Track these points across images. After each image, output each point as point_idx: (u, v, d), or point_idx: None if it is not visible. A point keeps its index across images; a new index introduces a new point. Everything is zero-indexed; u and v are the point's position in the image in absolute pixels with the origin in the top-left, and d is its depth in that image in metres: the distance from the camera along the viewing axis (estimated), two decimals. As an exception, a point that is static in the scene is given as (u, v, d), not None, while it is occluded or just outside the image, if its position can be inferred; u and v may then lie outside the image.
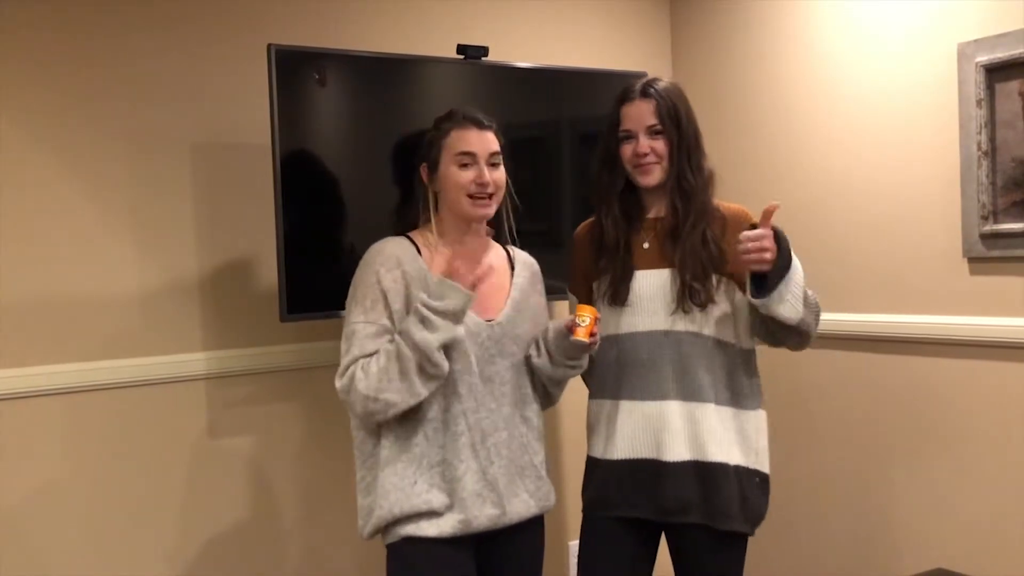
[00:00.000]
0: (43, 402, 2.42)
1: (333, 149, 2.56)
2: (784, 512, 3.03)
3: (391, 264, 2.02)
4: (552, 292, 2.36)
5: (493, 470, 2.03)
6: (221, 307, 2.66)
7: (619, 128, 2.18)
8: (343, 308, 2.07)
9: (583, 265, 2.30)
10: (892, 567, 2.83)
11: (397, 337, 1.96)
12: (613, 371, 2.21)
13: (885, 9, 2.80)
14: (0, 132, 2.38)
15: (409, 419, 2.00)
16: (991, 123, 2.54)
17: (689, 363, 2.15)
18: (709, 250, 2.14)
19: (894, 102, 2.79)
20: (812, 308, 2.14)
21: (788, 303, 2.06)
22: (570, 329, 2.04)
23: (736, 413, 2.17)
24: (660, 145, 2.15)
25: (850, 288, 2.89)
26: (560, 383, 2.22)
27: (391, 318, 2.00)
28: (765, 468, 2.22)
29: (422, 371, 1.93)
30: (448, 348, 1.96)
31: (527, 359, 2.15)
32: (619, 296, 2.18)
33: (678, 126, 2.15)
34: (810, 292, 2.15)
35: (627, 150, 2.17)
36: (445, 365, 1.96)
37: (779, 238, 2.04)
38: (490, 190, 2.05)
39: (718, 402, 2.15)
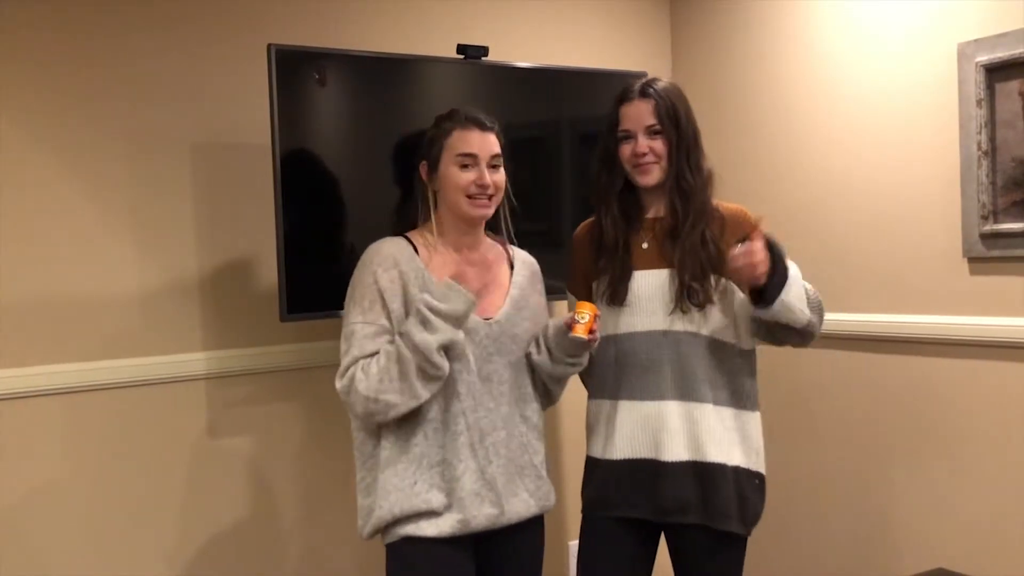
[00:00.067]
0: (43, 402, 2.43)
1: (333, 149, 2.56)
2: (784, 512, 3.03)
3: (388, 264, 2.02)
4: (552, 292, 2.36)
5: (491, 469, 2.03)
6: (221, 307, 2.66)
7: (618, 128, 2.18)
8: (343, 308, 2.07)
9: (582, 265, 2.30)
10: (892, 567, 2.83)
11: (397, 338, 1.96)
12: (612, 371, 2.21)
13: (885, 9, 2.80)
14: (0, 132, 2.38)
15: (409, 419, 2.00)
16: (991, 123, 2.54)
17: (688, 363, 2.15)
18: (708, 250, 2.14)
19: (894, 102, 2.79)
20: (816, 307, 2.15)
21: (793, 311, 2.06)
22: (569, 326, 2.04)
23: (737, 414, 2.18)
24: (659, 145, 2.15)
25: (850, 288, 2.89)
26: (560, 381, 2.22)
27: (389, 318, 2.00)
28: (763, 469, 2.22)
29: (422, 372, 1.93)
30: (448, 349, 1.96)
31: (527, 357, 2.15)
32: (618, 296, 2.18)
33: (677, 126, 2.15)
34: (811, 290, 2.16)
35: (626, 150, 2.17)
36: (445, 367, 1.96)
37: (772, 247, 2.03)
38: (490, 192, 2.05)
39: (717, 402, 2.15)
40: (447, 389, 2.01)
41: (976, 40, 2.55)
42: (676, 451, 2.12)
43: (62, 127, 2.45)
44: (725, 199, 2.25)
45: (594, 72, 2.97)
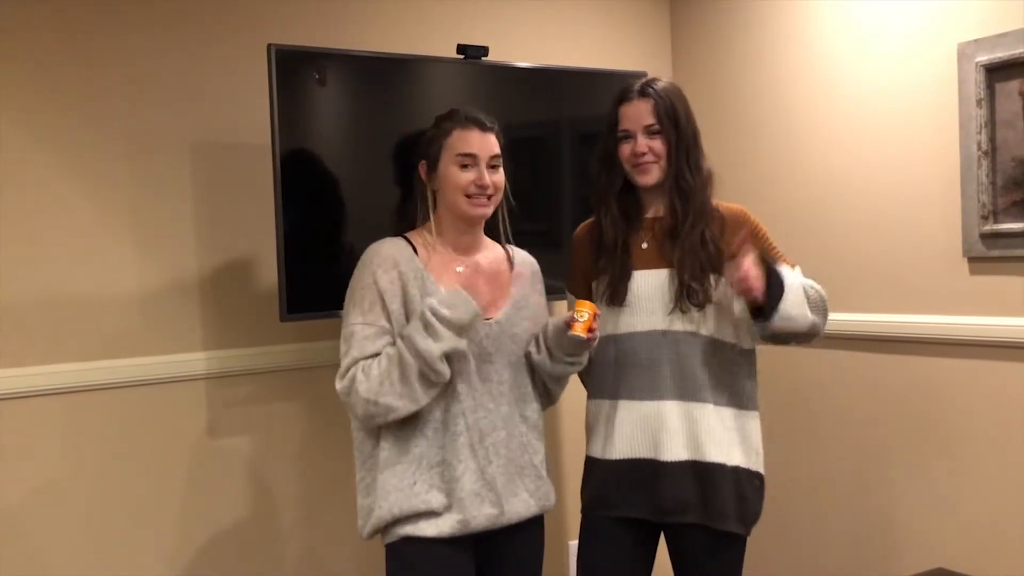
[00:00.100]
0: (43, 402, 2.43)
1: (333, 149, 2.56)
2: (784, 512, 3.03)
3: (388, 265, 2.01)
4: (552, 292, 2.36)
5: (491, 470, 2.03)
6: (221, 307, 2.66)
7: (617, 128, 2.18)
8: (343, 308, 2.07)
9: (582, 265, 2.30)
10: (892, 567, 2.83)
11: (399, 341, 1.96)
12: (612, 371, 2.21)
13: (885, 9, 2.80)
14: (0, 132, 2.38)
15: (409, 420, 1.99)
16: (991, 123, 2.54)
17: (687, 363, 2.15)
18: (708, 250, 2.14)
19: (894, 102, 2.79)
20: (818, 306, 2.15)
21: (793, 319, 2.07)
22: (569, 324, 2.04)
23: (737, 413, 2.18)
24: (658, 145, 2.15)
25: (850, 288, 2.89)
26: (560, 380, 2.22)
27: (389, 319, 2.00)
28: (762, 469, 2.22)
29: (423, 377, 1.93)
30: (450, 357, 1.96)
31: (527, 356, 2.15)
32: (617, 296, 2.19)
33: (676, 126, 2.15)
34: (813, 290, 2.16)
35: (625, 150, 2.17)
36: (447, 373, 1.96)
37: (765, 262, 2.04)
38: (489, 192, 2.05)
39: (717, 402, 2.15)
40: (447, 389, 2.01)
41: (976, 40, 2.55)
42: (675, 451, 2.12)
43: (62, 127, 2.45)
44: (725, 199, 2.25)
45: (594, 72, 2.97)
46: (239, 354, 2.67)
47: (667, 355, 2.15)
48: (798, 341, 2.18)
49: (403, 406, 1.94)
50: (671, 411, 2.14)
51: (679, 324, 2.15)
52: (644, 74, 2.38)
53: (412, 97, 2.63)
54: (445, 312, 1.93)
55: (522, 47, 3.07)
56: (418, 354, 1.91)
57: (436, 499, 2.00)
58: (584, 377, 2.31)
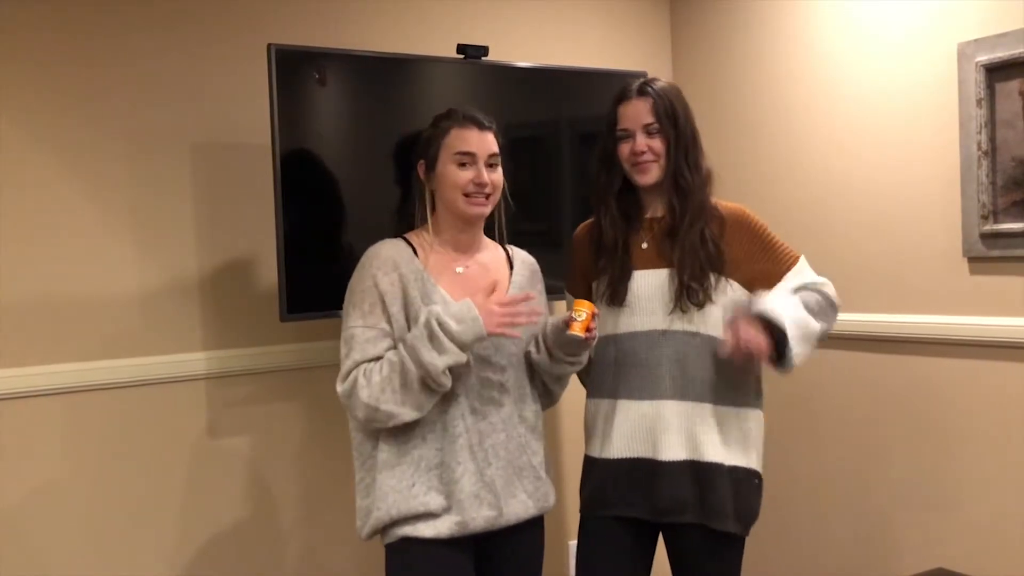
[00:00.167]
0: (43, 402, 2.42)
1: (333, 149, 2.56)
2: (784, 512, 3.03)
3: (388, 267, 2.01)
4: (552, 292, 2.36)
5: (490, 471, 2.03)
6: (221, 307, 2.66)
7: (616, 127, 2.18)
8: (342, 309, 2.07)
9: (582, 265, 2.30)
10: (892, 567, 2.82)
11: (401, 348, 1.96)
12: (611, 371, 2.21)
13: (885, 9, 2.80)
14: (0, 132, 2.38)
15: (408, 422, 1.99)
16: (991, 123, 2.54)
17: (687, 363, 2.15)
18: (707, 249, 2.14)
19: (894, 102, 2.79)
20: (823, 311, 2.16)
21: (809, 347, 2.12)
22: (567, 324, 2.04)
23: (736, 412, 2.17)
24: (657, 143, 2.15)
25: (850, 288, 2.88)
26: (560, 380, 2.22)
27: (389, 322, 2.00)
28: (761, 469, 2.22)
29: (425, 386, 1.93)
30: (453, 368, 1.96)
31: (527, 356, 2.15)
32: (617, 296, 2.19)
33: (675, 125, 2.15)
34: (812, 297, 2.15)
35: (624, 149, 2.17)
36: (448, 384, 1.95)
37: (763, 317, 2.06)
38: (488, 191, 2.05)
39: (717, 402, 2.15)
40: (446, 391, 2.00)
41: (976, 40, 2.55)
42: (673, 451, 2.12)
43: (62, 127, 2.45)
44: (725, 199, 2.25)
45: (594, 72, 2.97)
46: (239, 354, 2.67)
47: (667, 355, 2.15)
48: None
49: (404, 413, 1.94)
50: (670, 411, 2.14)
51: (679, 324, 2.15)
52: (644, 74, 2.38)
53: (412, 97, 2.63)
54: (453, 326, 1.91)
55: (522, 47, 3.07)
56: (421, 365, 1.91)
57: (435, 501, 2.00)
58: (583, 377, 2.31)
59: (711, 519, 2.12)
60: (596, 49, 3.29)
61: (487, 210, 2.08)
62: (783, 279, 2.18)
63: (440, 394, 1.97)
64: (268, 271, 2.63)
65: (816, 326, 2.13)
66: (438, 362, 1.91)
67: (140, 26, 2.53)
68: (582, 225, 2.36)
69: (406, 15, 2.92)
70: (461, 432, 2.02)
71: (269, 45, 2.39)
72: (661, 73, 3.25)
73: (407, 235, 2.11)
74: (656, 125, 2.15)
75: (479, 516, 2.01)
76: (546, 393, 2.22)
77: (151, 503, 2.56)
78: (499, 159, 2.08)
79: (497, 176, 2.07)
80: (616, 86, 2.25)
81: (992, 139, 2.54)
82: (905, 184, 2.77)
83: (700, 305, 2.14)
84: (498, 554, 2.10)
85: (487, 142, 2.06)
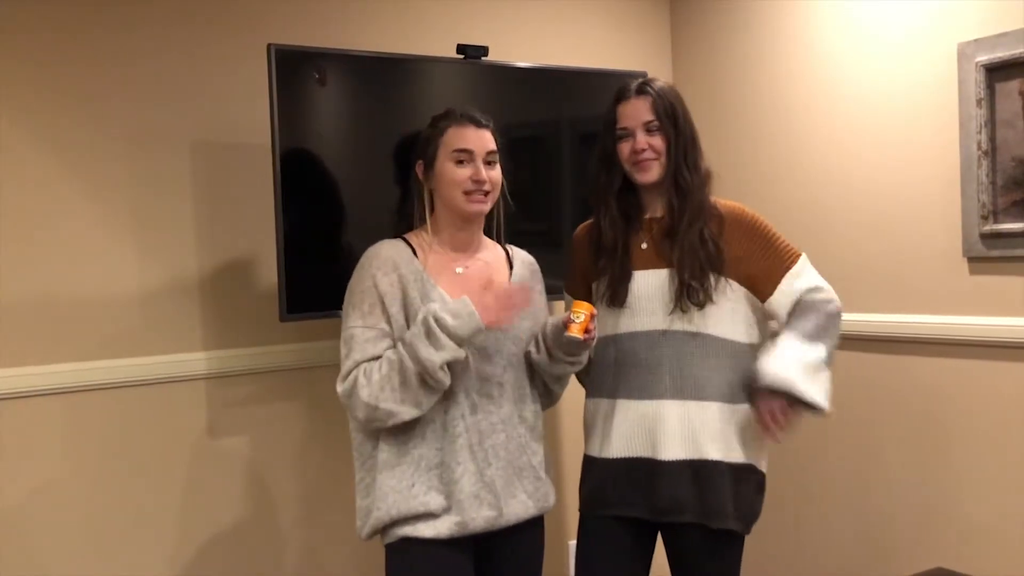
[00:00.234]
0: (43, 402, 2.42)
1: (333, 149, 2.56)
2: (784, 512, 3.03)
3: (387, 268, 2.01)
4: (552, 292, 2.36)
5: (491, 472, 2.03)
6: (221, 307, 2.66)
7: (616, 127, 2.18)
8: (342, 309, 2.07)
9: (582, 266, 2.30)
10: (892, 567, 2.82)
11: (400, 347, 1.96)
12: (611, 370, 2.21)
13: (885, 9, 2.80)
14: (0, 132, 2.38)
15: (408, 422, 1.99)
16: (991, 123, 2.54)
17: (687, 362, 2.15)
18: (707, 249, 2.14)
19: (894, 102, 2.79)
20: (827, 330, 2.16)
21: (825, 377, 2.14)
22: (566, 325, 2.04)
23: (737, 410, 2.17)
24: (658, 141, 2.15)
25: (850, 288, 2.87)
26: (560, 379, 2.22)
27: (389, 322, 2.00)
28: (763, 467, 2.22)
29: (424, 383, 1.93)
30: (450, 365, 1.96)
31: (527, 356, 2.15)
32: (617, 298, 2.19)
33: (675, 124, 2.15)
34: (814, 326, 2.15)
35: (625, 148, 2.17)
36: (447, 381, 1.95)
37: (783, 394, 2.09)
38: (486, 188, 2.05)
39: (718, 400, 2.15)
40: (446, 391, 2.00)
41: (976, 40, 2.55)
42: (673, 450, 2.12)
43: (62, 127, 2.45)
44: (725, 199, 2.25)
45: (594, 72, 2.97)
46: (239, 354, 2.67)
47: (667, 355, 2.15)
48: None
49: (404, 411, 1.94)
50: (669, 411, 2.14)
51: (679, 324, 2.15)
52: (644, 74, 2.38)
53: (412, 97, 2.63)
54: (449, 321, 1.92)
55: (522, 47, 3.07)
56: (419, 361, 1.91)
57: (435, 501, 2.00)
58: (582, 376, 2.31)
59: (710, 518, 2.12)
60: (596, 49, 3.29)
61: (486, 207, 2.08)
62: (781, 281, 2.17)
63: (439, 392, 1.97)
64: (268, 271, 2.63)
65: (822, 353, 2.13)
66: (435, 358, 1.91)
67: (140, 26, 2.53)
68: (582, 226, 2.36)
69: (406, 15, 2.92)
70: (461, 432, 2.02)
71: (269, 45, 2.39)
72: (661, 73, 3.25)
73: (406, 235, 2.11)
74: (656, 123, 2.14)
75: (479, 516, 2.01)
76: (546, 393, 2.22)
77: (151, 503, 2.56)
78: (497, 157, 2.08)
79: (495, 174, 2.07)
80: (616, 86, 2.25)
81: (992, 139, 2.54)
82: (905, 184, 2.77)
83: (700, 305, 2.14)
84: (498, 554, 2.10)
85: (485, 139, 2.06)
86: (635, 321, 2.18)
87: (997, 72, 2.52)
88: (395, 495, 1.99)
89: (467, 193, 2.04)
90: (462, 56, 2.72)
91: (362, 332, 1.99)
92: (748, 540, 2.22)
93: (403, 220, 2.19)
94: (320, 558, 2.81)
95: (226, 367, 2.65)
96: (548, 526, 2.22)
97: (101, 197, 2.50)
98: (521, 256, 2.23)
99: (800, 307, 2.16)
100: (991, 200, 2.55)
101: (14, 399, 2.39)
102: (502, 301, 1.97)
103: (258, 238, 2.64)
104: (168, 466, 2.59)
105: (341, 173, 2.54)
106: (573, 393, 2.35)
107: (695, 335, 2.15)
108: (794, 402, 2.09)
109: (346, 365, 1.99)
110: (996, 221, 2.55)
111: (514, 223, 2.22)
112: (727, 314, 2.17)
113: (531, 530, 2.14)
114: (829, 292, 2.20)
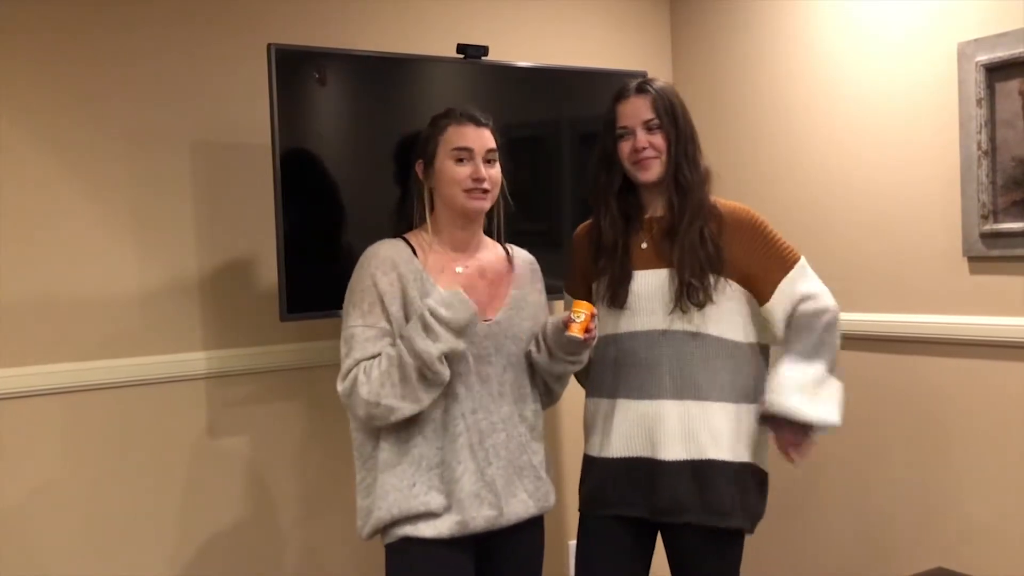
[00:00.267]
0: (43, 402, 2.42)
1: (333, 149, 2.56)
2: (784, 512, 3.03)
3: (387, 267, 2.02)
4: (551, 292, 2.35)
5: (491, 471, 2.03)
6: (221, 307, 2.66)
7: (616, 126, 2.18)
8: (342, 309, 2.07)
9: (582, 266, 2.30)
10: (892, 567, 2.82)
11: (399, 342, 1.96)
12: (611, 370, 2.21)
13: (885, 9, 2.80)
14: (0, 132, 2.38)
15: (408, 421, 1.99)
16: (991, 122, 2.54)
17: (687, 362, 2.15)
18: (707, 248, 2.14)
19: (894, 102, 2.79)
20: (826, 346, 2.17)
21: (833, 388, 2.17)
22: (566, 325, 2.04)
23: (737, 409, 2.17)
24: (658, 140, 2.15)
25: (850, 288, 2.88)
26: (561, 379, 2.22)
27: (389, 321, 2.00)
28: (765, 466, 2.22)
29: (423, 378, 1.93)
30: (449, 357, 1.96)
31: (527, 355, 2.15)
32: (618, 299, 2.19)
33: (675, 122, 2.15)
34: (812, 343, 2.15)
35: (625, 147, 2.17)
36: (446, 374, 1.96)
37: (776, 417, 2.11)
38: (486, 186, 2.05)
39: (718, 400, 2.15)
40: (446, 390, 2.01)
41: (976, 40, 2.55)
42: (673, 450, 2.12)
43: (62, 127, 2.45)
44: (725, 198, 2.24)
45: (594, 72, 2.97)
46: (239, 354, 2.67)
47: (667, 354, 2.15)
48: None
49: (404, 407, 1.94)
50: (669, 411, 2.14)
51: (679, 324, 2.15)
52: (644, 74, 2.38)
53: (412, 97, 2.63)
54: (443, 312, 1.93)
55: (522, 47, 3.07)
56: (416, 355, 1.91)
57: (435, 500, 2.00)
58: (581, 376, 2.31)
59: (710, 518, 2.12)
60: (596, 49, 3.29)
61: (486, 205, 2.08)
62: (779, 283, 2.16)
63: (439, 386, 1.97)
64: (268, 271, 2.63)
65: (822, 368, 2.13)
66: (432, 349, 1.91)
67: (140, 26, 2.53)
68: (582, 226, 2.36)
69: (406, 15, 2.92)
70: (462, 431, 2.02)
71: (269, 45, 2.39)
72: (661, 73, 3.25)
73: (406, 235, 2.12)
74: (656, 121, 2.14)
75: (479, 516, 2.01)
76: (547, 392, 2.23)
77: (151, 503, 2.56)
78: (497, 155, 2.09)
79: (495, 172, 2.08)
80: (616, 86, 2.25)
81: (992, 139, 2.54)
82: (905, 184, 2.77)
83: (700, 305, 2.14)
84: (498, 554, 2.10)
85: (484, 138, 2.07)
86: (635, 321, 2.18)
87: (997, 72, 2.52)
88: (396, 494, 1.99)
89: (467, 191, 2.04)
90: (462, 56, 2.72)
91: (362, 331, 1.99)
92: (748, 540, 2.22)
93: (403, 220, 2.19)
94: (320, 558, 2.81)
95: (226, 367, 2.65)
96: (548, 526, 2.22)
97: (101, 197, 2.50)
98: (521, 255, 2.23)
99: (794, 325, 2.15)
100: (991, 200, 2.55)
101: (14, 399, 2.39)
102: (490, 281, 2.01)
103: (258, 238, 2.64)
104: (168, 466, 2.59)
105: (341, 173, 2.54)
106: (573, 393, 2.35)
107: (695, 335, 2.15)
108: (804, 426, 2.10)
109: (346, 364, 1.99)
110: (996, 221, 2.55)
111: (514, 223, 2.22)
112: (727, 314, 2.17)
113: (531, 530, 2.14)
114: (825, 299, 2.18)
